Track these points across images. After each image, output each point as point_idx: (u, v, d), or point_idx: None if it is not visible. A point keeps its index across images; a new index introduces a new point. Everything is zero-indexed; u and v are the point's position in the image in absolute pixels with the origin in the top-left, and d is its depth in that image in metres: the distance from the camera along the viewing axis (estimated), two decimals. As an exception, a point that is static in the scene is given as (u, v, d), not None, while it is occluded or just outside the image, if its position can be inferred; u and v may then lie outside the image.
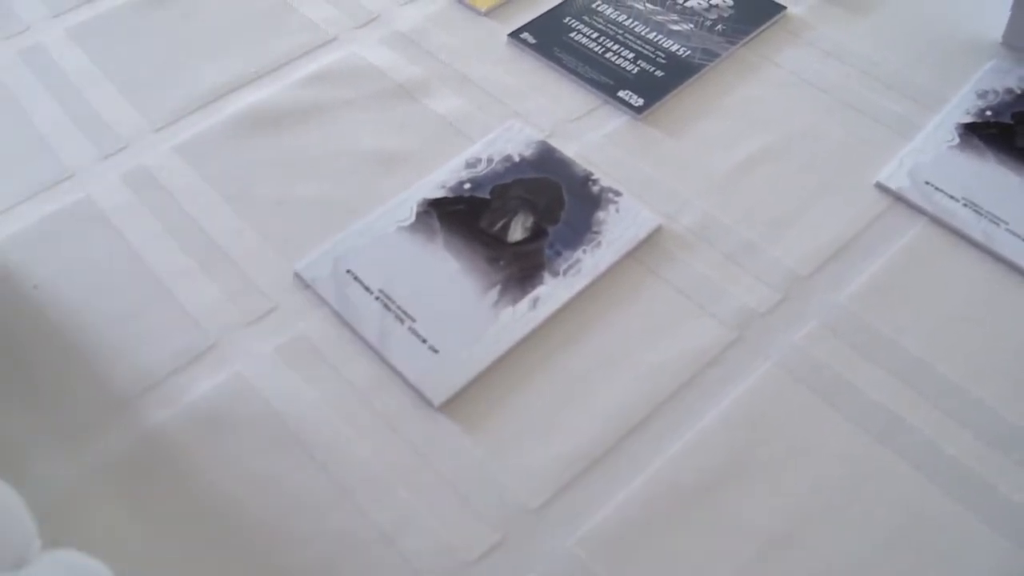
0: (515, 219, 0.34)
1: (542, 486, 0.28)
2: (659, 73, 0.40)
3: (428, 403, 0.30)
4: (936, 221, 0.34)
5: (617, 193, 0.35)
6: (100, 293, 0.33)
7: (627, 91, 0.39)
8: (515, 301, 0.32)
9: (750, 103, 0.39)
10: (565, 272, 0.32)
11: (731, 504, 0.28)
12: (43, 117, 0.39)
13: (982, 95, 0.39)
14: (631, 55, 0.41)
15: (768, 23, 0.42)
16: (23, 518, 0.25)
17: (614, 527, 0.27)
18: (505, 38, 0.42)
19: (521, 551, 0.27)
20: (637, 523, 0.27)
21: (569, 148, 0.37)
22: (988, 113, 0.38)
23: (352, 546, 0.27)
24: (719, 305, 0.32)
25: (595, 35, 0.42)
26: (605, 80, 0.40)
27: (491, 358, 0.30)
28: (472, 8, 0.43)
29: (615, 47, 0.41)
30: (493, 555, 0.27)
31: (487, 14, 0.43)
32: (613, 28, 0.42)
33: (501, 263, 0.33)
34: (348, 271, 0.33)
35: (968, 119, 0.38)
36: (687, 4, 0.43)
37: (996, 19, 0.41)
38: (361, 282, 0.32)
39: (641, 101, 0.39)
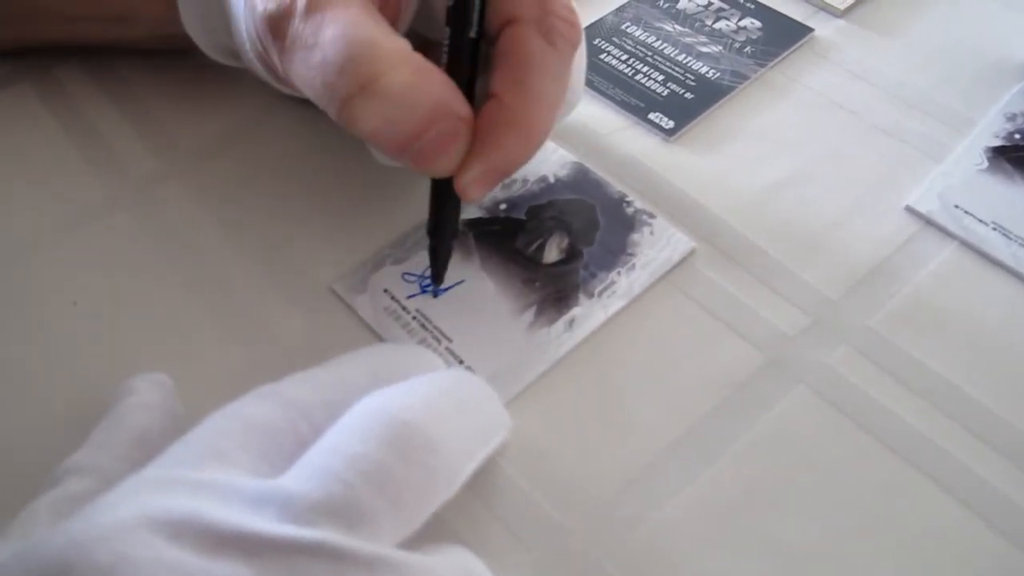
0: (550, 240, 0.34)
1: (574, 507, 0.28)
2: (689, 95, 0.40)
3: (465, 422, 0.30)
4: (966, 245, 0.35)
5: (651, 215, 0.35)
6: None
7: (658, 113, 0.40)
8: (551, 322, 0.32)
9: (780, 125, 0.40)
10: (600, 294, 0.33)
11: (764, 526, 0.28)
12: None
13: (1011, 118, 0.39)
14: (661, 77, 0.41)
15: (796, 45, 0.43)
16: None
17: (647, 546, 0.28)
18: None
19: (554, 569, 0.27)
20: (669, 543, 0.28)
21: (602, 169, 0.37)
22: (1017, 136, 0.38)
23: None
24: (750, 327, 0.33)
25: (625, 57, 0.42)
26: (636, 102, 0.40)
27: (527, 379, 0.31)
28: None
29: (645, 69, 0.42)
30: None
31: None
32: (643, 50, 0.43)
33: (537, 284, 0.33)
34: (385, 290, 0.33)
35: (997, 142, 0.38)
36: (716, 26, 0.44)
37: (1024, 43, 0.42)
38: (398, 302, 0.33)
39: (672, 123, 0.39)
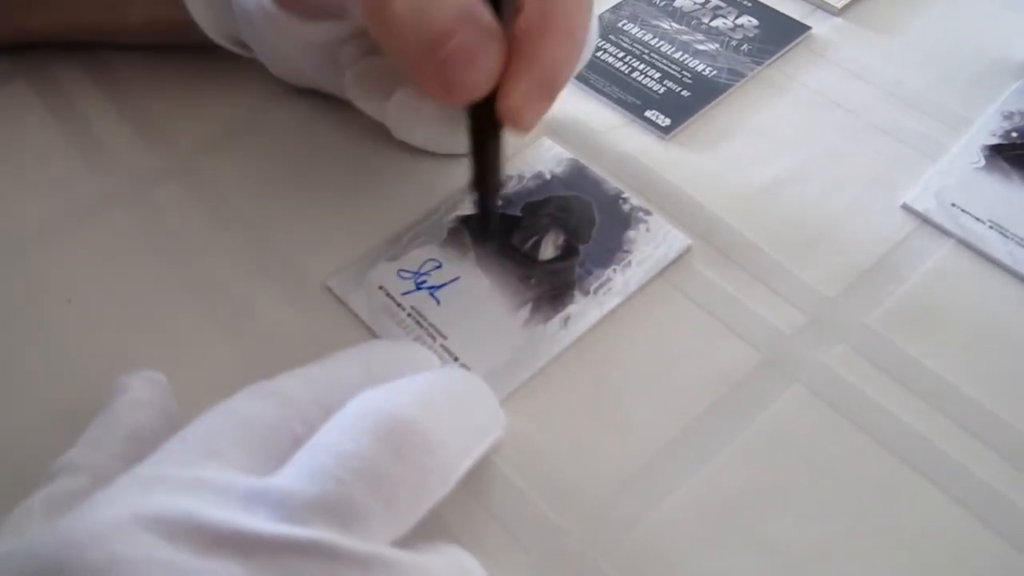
0: (546, 237, 0.34)
1: (571, 506, 0.28)
2: (685, 93, 0.40)
3: (461, 420, 0.30)
4: (963, 243, 0.35)
5: (647, 212, 0.35)
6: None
7: (654, 111, 0.40)
8: (546, 319, 0.32)
9: (777, 123, 0.40)
10: (596, 291, 0.33)
11: (760, 525, 0.28)
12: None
13: (1008, 116, 0.39)
14: (657, 75, 0.41)
15: (793, 43, 0.43)
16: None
17: (644, 546, 0.27)
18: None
19: (550, 569, 0.27)
20: (666, 543, 0.27)
21: (599, 166, 0.37)
22: (1014, 135, 0.38)
23: None
24: (747, 326, 0.32)
25: (621, 54, 0.42)
26: (632, 100, 0.40)
27: (522, 377, 0.31)
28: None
29: (642, 67, 0.42)
30: None
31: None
32: (639, 48, 0.43)
33: (532, 281, 0.33)
34: (380, 287, 0.33)
35: (994, 141, 0.38)
36: (712, 24, 0.44)
37: (1022, 40, 0.41)
38: (393, 299, 0.33)
39: (668, 121, 0.39)
